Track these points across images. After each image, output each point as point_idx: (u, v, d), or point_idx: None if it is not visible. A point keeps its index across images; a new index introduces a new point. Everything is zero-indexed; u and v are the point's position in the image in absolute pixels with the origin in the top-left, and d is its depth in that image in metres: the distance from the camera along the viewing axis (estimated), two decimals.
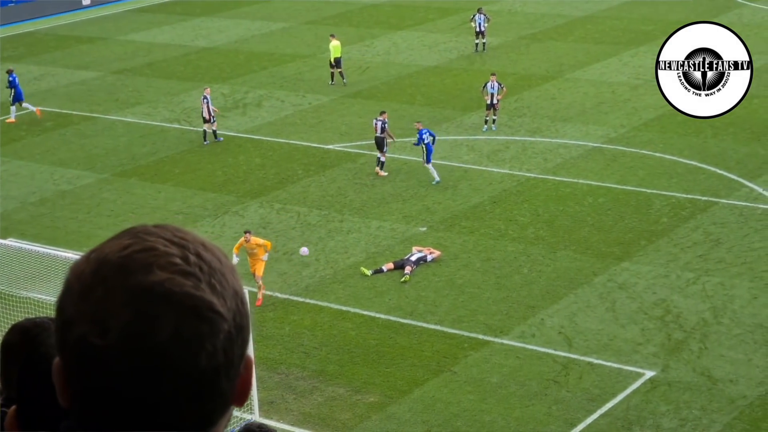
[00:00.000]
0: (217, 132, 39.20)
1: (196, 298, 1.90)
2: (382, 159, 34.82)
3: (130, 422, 1.91)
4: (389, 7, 59.79)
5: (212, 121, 38.82)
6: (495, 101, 38.35)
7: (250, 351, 2.08)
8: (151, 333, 1.87)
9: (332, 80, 45.24)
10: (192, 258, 1.94)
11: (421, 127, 34.37)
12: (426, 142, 33.81)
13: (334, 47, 45.07)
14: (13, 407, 2.73)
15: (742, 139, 36.44)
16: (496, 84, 38.33)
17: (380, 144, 34.89)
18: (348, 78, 45.18)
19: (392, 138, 35.57)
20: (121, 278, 1.90)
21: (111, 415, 1.91)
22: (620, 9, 55.97)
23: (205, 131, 39.01)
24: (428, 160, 33.98)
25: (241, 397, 2.01)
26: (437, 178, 33.89)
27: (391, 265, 28.32)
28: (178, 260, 1.92)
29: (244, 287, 2.09)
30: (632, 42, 49.33)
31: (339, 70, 45.00)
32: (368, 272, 28.20)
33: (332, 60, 45.15)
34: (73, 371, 1.93)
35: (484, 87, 38.83)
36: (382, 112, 35.73)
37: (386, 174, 34.67)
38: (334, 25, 55.56)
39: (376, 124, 35.23)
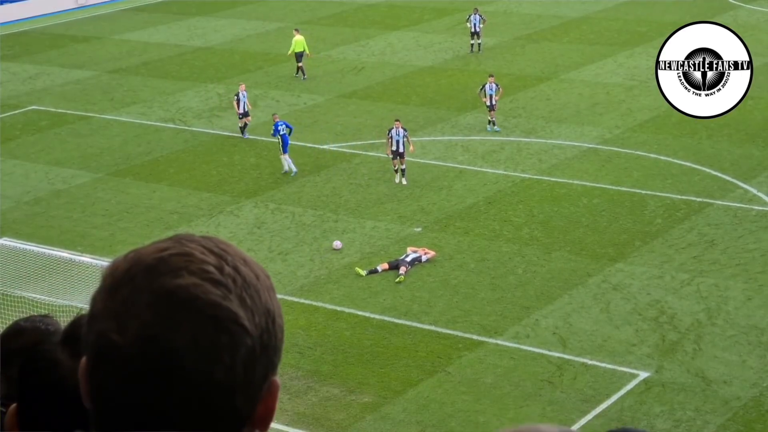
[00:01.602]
0: (244, 128, 39.29)
1: (221, 308, 1.87)
2: (403, 167, 34.15)
3: (139, 425, 1.88)
4: (384, 7, 59.77)
5: (242, 116, 38.95)
6: (494, 102, 38.38)
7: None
8: (168, 337, 1.84)
9: (297, 73, 46.30)
10: (227, 269, 1.91)
11: (277, 119, 35.81)
12: (282, 133, 35.25)
13: (297, 41, 45.93)
14: (14, 405, 2.72)
15: (737, 141, 36.46)
16: (494, 85, 38.34)
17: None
18: (308, 73, 46.05)
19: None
20: (150, 279, 1.88)
21: (121, 416, 1.89)
22: (615, 10, 55.99)
23: (244, 125, 39.15)
24: (284, 151, 35.37)
25: (262, 422, 1.95)
26: (294, 169, 35.24)
27: (385, 266, 28.32)
28: (211, 268, 1.90)
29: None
30: (627, 43, 49.35)
31: (299, 64, 46.00)
32: (363, 272, 28.20)
33: (294, 54, 46.13)
34: (92, 366, 1.91)
35: (482, 89, 38.74)
36: (397, 120, 34.65)
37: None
38: (329, 26, 55.60)
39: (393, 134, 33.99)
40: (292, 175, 35.15)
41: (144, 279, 1.89)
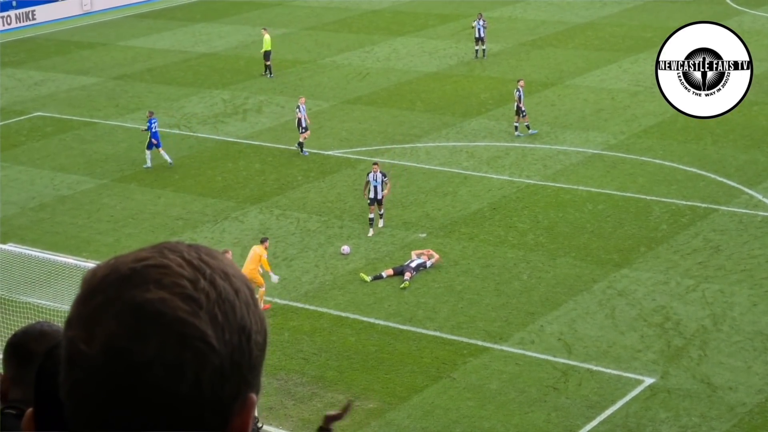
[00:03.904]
0: (303, 145, 37.71)
1: (188, 324, 1.83)
2: (381, 212, 31.50)
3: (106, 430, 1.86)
4: (389, 13, 59.82)
5: (302, 131, 37.42)
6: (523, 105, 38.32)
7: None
8: (132, 350, 1.82)
9: (270, 73, 47.47)
10: (202, 283, 1.86)
11: (150, 117, 37.42)
12: (154, 130, 37.03)
13: (266, 41, 46.99)
14: (30, 409, 2.72)
15: (742, 146, 36.43)
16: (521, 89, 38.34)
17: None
18: (275, 73, 47.56)
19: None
20: (121, 290, 1.85)
21: (89, 420, 1.87)
22: (620, 16, 56.01)
23: (302, 142, 37.63)
24: (149, 147, 37.16)
25: None
26: (149, 164, 37.20)
27: (390, 272, 28.32)
28: (185, 282, 1.86)
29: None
30: (632, 49, 49.36)
31: (267, 63, 47.33)
32: (368, 278, 28.19)
33: (263, 53, 47.31)
34: (65, 370, 1.90)
35: (517, 93, 38.37)
36: (375, 164, 32.09)
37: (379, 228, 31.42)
38: (333, 31, 55.64)
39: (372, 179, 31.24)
40: (145, 167, 37.05)
41: (116, 289, 1.86)
